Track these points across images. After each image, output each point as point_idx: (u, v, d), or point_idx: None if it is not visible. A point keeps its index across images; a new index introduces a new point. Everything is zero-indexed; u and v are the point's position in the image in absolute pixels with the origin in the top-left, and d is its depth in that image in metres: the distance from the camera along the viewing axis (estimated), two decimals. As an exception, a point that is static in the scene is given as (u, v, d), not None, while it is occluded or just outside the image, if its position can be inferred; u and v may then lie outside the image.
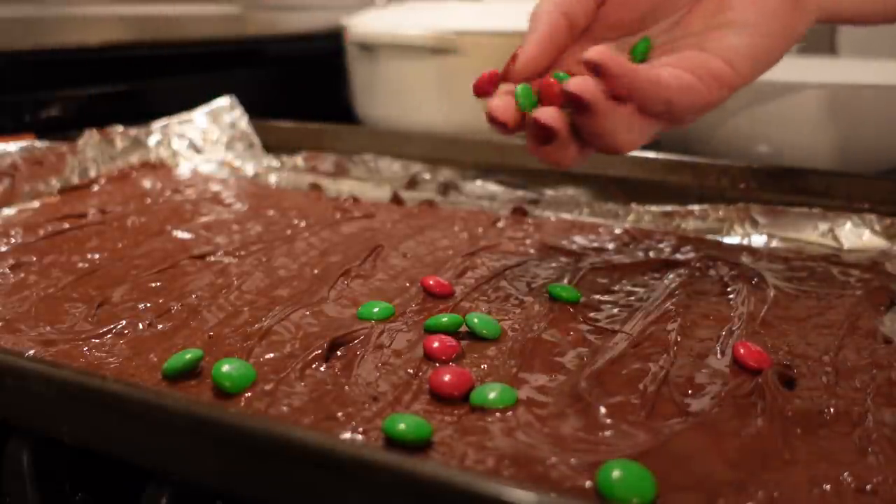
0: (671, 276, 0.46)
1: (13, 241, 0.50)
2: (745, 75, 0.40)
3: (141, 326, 0.39)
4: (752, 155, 0.70)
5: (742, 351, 0.35)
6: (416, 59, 0.85)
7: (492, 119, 0.39)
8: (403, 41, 0.84)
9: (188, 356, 0.33)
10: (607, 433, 0.29)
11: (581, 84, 0.36)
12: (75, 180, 0.64)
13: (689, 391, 0.33)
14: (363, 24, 0.89)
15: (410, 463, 0.24)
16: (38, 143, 0.64)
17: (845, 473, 0.27)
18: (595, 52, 0.35)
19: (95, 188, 0.64)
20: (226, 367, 0.32)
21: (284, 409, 0.31)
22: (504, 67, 0.42)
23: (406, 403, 0.32)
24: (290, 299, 0.42)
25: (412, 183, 0.67)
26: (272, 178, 0.71)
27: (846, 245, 0.52)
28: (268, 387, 0.32)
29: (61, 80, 0.77)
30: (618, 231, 0.54)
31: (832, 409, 0.31)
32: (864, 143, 0.67)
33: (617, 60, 0.36)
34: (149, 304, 0.41)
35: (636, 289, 0.44)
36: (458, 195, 0.65)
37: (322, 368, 0.34)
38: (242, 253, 0.49)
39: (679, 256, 0.49)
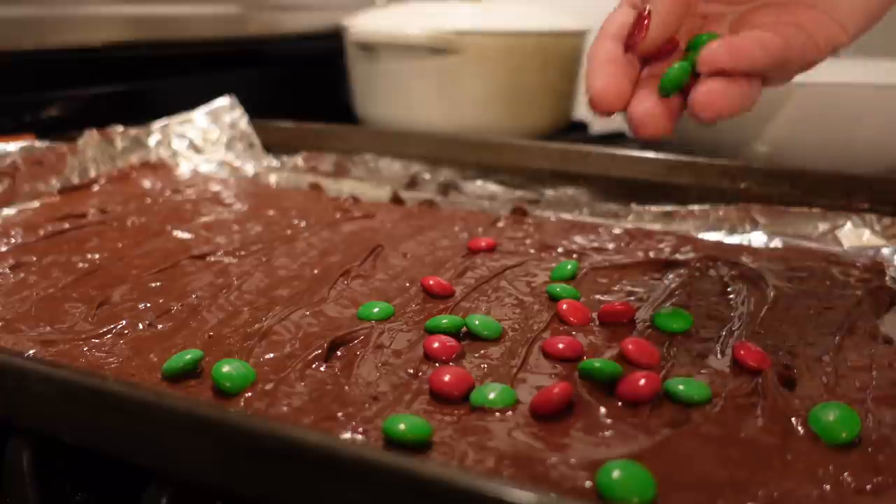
0: (671, 276, 0.46)
1: (13, 241, 0.50)
2: (853, 35, 0.39)
3: (141, 326, 0.39)
4: (752, 155, 0.70)
5: (742, 351, 0.35)
6: (416, 59, 0.85)
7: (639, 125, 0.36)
8: (403, 41, 0.84)
9: (188, 356, 0.33)
10: (607, 433, 0.29)
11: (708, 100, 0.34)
12: (75, 180, 0.64)
13: (689, 391, 0.33)
14: (363, 24, 0.89)
15: (410, 463, 0.24)
16: (38, 143, 0.64)
17: (845, 473, 0.27)
18: (710, 58, 0.34)
19: (95, 188, 0.64)
20: (226, 368, 0.32)
21: (284, 409, 0.31)
22: (630, 35, 0.37)
23: (406, 403, 0.32)
24: (290, 299, 0.42)
25: (412, 183, 0.67)
26: (272, 178, 0.71)
27: (846, 245, 0.52)
28: (268, 387, 0.32)
29: (61, 80, 0.77)
30: (618, 231, 0.54)
31: (832, 409, 0.31)
32: (864, 143, 0.67)
33: (737, 56, 0.34)
34: (149, 304, 0.41)
35: (636, 289, 0.44)
36: (458, 195, 0.65)
37: (322, 368, 0.34)
38: (242, 253, 0.49)
39: (679, 256, 0.49)
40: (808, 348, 0.37)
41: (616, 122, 0.92)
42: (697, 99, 0.35)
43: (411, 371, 0.34)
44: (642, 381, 0.31)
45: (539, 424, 0.30)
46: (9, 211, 0.57)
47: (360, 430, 0.30)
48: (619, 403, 0.31)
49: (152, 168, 0.69)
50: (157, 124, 0.72)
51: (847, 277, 0.46)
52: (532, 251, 0.50)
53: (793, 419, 0.30)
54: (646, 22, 0.36)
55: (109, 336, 0.38)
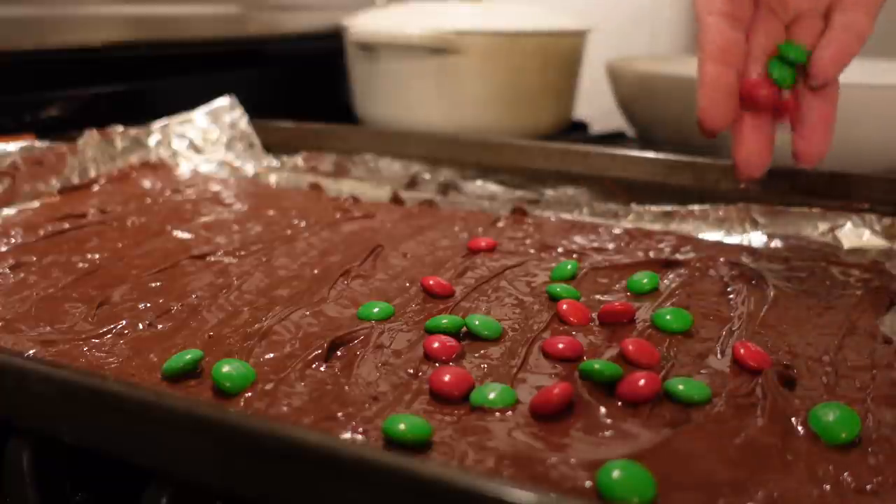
0: (671, 276, 0.46)
1: (13, 241, 0.50)
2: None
3: (141, 326, 0.39)
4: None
5: (742, 351, 0.35)
6: (416, 59, 0.85)
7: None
8: (403, 41, 0.84)
9: (188, 356, 0.33)
10: (607, 433, 0.30)
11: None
12: (75, 180, 0.64)
13: (689, 391, 0.33)
14: (363, 24, 0.89)
15: (410, 463, 0.24)
16: (38, 143, 0.64)
17: (845, 473, 0.27)
18: (822, 72, 0.44)
19: (95, 188, 0.64)
20: (226, 368, 0.32)
21: (284, 409, 0.31)
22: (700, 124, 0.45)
23: (406, 403, 0.32)
24: (290, 299, 0.42)
25: (412, 183, 0.67)
26: (272, 178, 0.71)
27: (846, 245, 0.52)
28: (268, 387, 0.32)
29: (62, 80, 0.77)
30: (618, 231, 0.54)
31: (832, 410, 0.31)
32: (864, 143, 0.67)
33: (844, 60, 0.44)
34: (149, 304, 0.41)
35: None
36: (458, 195, 0.65)
37: (322, 368, 0.34)
38: (242, 253, 0.49)
39: (679, 256, 0.49)
40: (808, 348, 0.37)
41: (616, 123, 0.92)
42: (801, 150, 0.46)
43: (411, 371, 0.34)
44: (642, 381, 0.31)
45: (539, 424, 0.30)
46: (9, 211, 0.57)
47: (360, 430, 0.30)
48: (619, 403, 0.31)
49: (152, 168, 0.69)
50: (157, 124, 0.72)
51: (847, 277, 0.46)
52: (532, 251, 0.50)
53: (793, 419, 0.30)
54: None
55: (109, 336, 0.38)
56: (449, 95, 0.86)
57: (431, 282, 0.43)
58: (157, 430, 0.27)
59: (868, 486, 0.27)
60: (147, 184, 0.65)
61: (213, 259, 0.48)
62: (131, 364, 0.35)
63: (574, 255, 0.49)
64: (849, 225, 0.52)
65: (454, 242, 0.52)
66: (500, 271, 0.46)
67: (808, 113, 0.45)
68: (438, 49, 0.83)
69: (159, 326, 0.39)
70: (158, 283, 0.44)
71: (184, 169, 0.71)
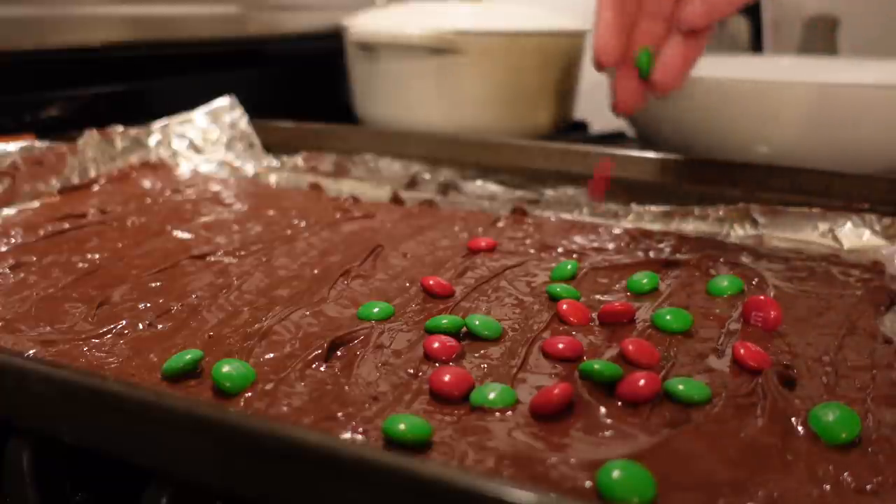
0: (671, 276, 0.46)
1: (13, 241, 0.50)
2: None
3: (141, 326, 0.39)
4: (751, 155, 0.70)
5: (742, 351, 0.35)
6: (416, 59, 0.85)
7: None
8: (403, 41, 0.84)
9: (188, 356, 0.33)
10: (607, 433, 0.30)
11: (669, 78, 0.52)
12: (75, 180, 0.64)
13: (689, 391, 0.33)
14: (363, 24, 0.89)
15: (410, 463, 0.24)
16: (38, 143, 0.64)
17: (845, 473, 0.27)
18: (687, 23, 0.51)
19: (95, 188, 0.64)
20: (226, 368, 0.32)
21: (284, 409, 0.31)
22: (594, 59, 0.53)
23: (406, 403, 0.32)
24: (290, 299, 0.42)
25: (412, 183, 0.67)
26: (272, 178, 0.71)
27: (846, 245, 0.52)
28: (268, 387, 0.32)
29: (62, 80, 0.77)
30: (618, 231, 0.54)
31: (832, 409, 0.31)
32: (863, 143, 0.67)
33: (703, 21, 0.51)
34: (149, 304, 0.41)
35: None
36: (458, 195, 0.65)
37: (322, 368, 0.34)
38: (242, 253, 0.49)
39: (679, 256, 0.49)
40: (808, 348, 0.37)
41: (616, 123, 0.92)
42: (656, 79, 0.52)
43: (411, 371, 0.34)
44: (642, 382, 0.31)
45: (539, 424, 0.30)
46: (9, 211, 0.57)
47: (360, 430, 0.30)
48: (619, 403, 0.31)
49: (152, 168, 0.69)
50: (157, 124, 0.72)
51: (847, 277, 0.46)
52: (532, 251, 0.50)
53: (793, 419, 0.30)
54: None
55: (109, 336, 0.38)
56: (449, 95, 0.86)
57: (431, 282, 0.43)
58: (157, 430, 0.27)
59: (868, 486, 0.27)
60: (147, 184, 0.65)
61: (213, 259, 0.48)
62: (131, 364, 0.35)
63: (574, 255, 0.49)
64: (849, 225, 0.52)
65: (454, 242, 0.52)
66: (500, 271, 0.46)
67: (671, 48, 0.52)
68: (438, 49, 0.83)
69: (159, 326, 0.39)
70: (158, 283, 0.44)
71: (184, 169, 0.71)
